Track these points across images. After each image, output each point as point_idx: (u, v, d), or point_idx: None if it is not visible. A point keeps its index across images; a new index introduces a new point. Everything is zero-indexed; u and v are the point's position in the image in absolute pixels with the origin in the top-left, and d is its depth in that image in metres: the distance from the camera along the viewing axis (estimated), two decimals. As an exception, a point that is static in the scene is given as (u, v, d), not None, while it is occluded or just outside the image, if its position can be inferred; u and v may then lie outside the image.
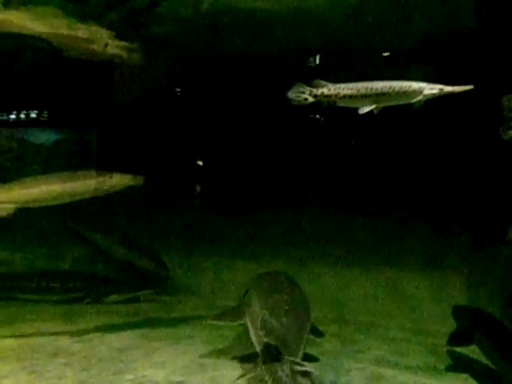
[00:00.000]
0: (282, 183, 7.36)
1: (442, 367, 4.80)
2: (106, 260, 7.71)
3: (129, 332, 5.56)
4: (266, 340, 3.66)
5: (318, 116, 7.30)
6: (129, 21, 5.84)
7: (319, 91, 3.78)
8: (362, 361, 4.85)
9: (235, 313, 5.03)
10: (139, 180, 5.22)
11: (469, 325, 4.83)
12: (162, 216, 7.70)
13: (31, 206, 5.00)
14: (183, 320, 6.18)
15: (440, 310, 5.92)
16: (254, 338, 4.22)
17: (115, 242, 7.61)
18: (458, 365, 4.91)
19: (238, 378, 3.65)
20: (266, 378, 3.23)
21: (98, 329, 5.62)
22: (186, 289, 7.52)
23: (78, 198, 5.08)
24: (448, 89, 3.42)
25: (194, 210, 7.96)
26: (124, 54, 5.42)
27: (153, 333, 5.58)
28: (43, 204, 5.01)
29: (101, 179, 5.05)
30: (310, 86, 3.87)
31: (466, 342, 4.78)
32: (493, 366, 4.40)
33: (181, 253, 7.66)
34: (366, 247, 6.81)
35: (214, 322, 5.19)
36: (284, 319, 3.97)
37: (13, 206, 4.86)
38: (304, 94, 3.86)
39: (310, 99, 3.85)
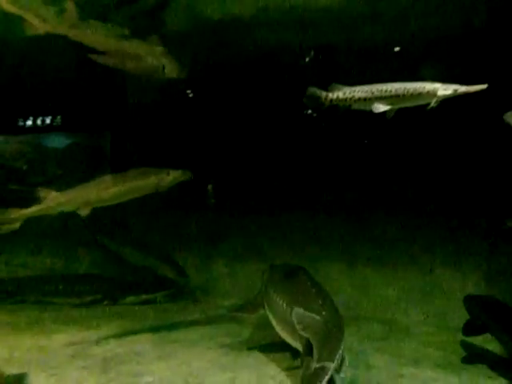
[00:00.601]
0: (285, 184, 7.35)
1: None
2: (122, 263, 7.79)
3: (146, 334, 5.60)
4: (305, 335, 3.81)
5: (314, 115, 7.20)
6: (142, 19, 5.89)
7: (334, 95, 3.80)
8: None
9: (254, 305, 5.10)
10: (188, 175, 5.42)
11: (482, 314, 4.86)
12: (175, 217, 7.74)
13: (103, 204, 5.37)
14: (200, 322, 6.20)
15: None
16: (284, 333, 4.37)
17: (134, 249, 7.68)
18: (473, 357, 4.93)
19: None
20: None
21: (115, 331, 5.67)
22: (201, 290, 7.56)
23: (141, 194, 5.43)
24: (463, 89, 3.41)
25: (204, 211, 7.97)
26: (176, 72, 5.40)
27: (170, 335, 5.61)
28: (113, 202, 5.40)
29: (160, 176, 5.29)
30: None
31: (481, 331, 4.81)
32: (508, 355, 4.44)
33: (192, 253, 7.72)
34: (379, 246, 6.78)
35: (234, 314, 5.24)
36: (323, 313, 4.04)
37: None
38: (320, 99, 3.88)
39: (327, 103, 3.88)
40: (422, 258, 6.47)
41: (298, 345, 4.12)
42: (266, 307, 4.87)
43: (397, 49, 6.26)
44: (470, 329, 4.90)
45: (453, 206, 6.34)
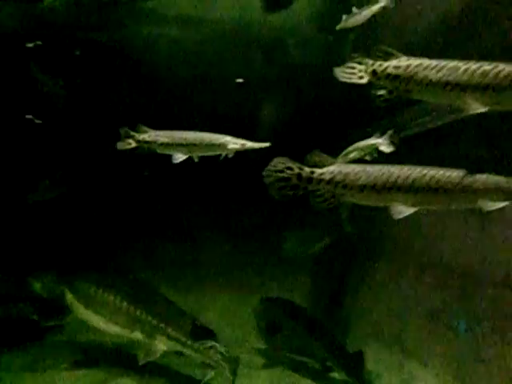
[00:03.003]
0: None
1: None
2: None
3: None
4: None
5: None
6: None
7: (141, 137, 3.84)
8: None
9: None
10: None
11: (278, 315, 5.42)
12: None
13: None
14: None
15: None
16: None
17: None
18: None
19: None
20: None
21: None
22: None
23: None
24: (249, 144, 3.69)
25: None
26: None
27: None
28: None
29: None
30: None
31: (276, 331, 5.36)
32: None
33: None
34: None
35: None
36: None
37: None
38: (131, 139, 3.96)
39: (134, 144, 3.96)
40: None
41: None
42: None
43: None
44: (270, 329, 5.42)
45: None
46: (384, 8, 3.42)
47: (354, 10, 3.62)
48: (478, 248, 4.61)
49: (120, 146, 3.95)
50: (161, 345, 5.06)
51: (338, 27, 3.83)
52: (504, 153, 4.02)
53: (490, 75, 2.43)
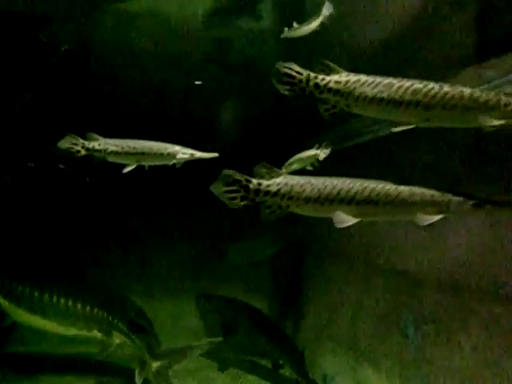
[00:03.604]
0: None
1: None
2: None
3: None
4: None
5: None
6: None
7: (91, 144, 3.80)
8: None
9: None
10: None
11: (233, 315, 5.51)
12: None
13: None
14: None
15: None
16: None
17: None
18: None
19: None
20: None
21: None
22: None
23: None
24: (198, 154, 3.72)
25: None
26: None
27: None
28: None
29: None
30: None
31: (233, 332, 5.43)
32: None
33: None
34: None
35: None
36: None
37: None
38: (76, 147, 3.91)
39: (83, 152, 3.91)
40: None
41: None
42: None
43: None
44: (225, 330, 5.47)
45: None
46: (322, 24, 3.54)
47: (295, 25, 3.76)
48: (425, 251, 4.76)
49: (66, 153, 3.90)
50: (117, 340, 5.13)
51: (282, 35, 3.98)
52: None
53: (421, 93, 2.57)
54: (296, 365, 5.36)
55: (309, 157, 3.78)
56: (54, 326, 5.23)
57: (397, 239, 5.16)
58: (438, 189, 2.74)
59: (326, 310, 6.29)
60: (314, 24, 3.58)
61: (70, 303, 5.23)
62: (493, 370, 3.87)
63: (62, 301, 5.25)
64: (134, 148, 3.76)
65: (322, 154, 3.70)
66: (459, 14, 3.93)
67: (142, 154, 3.74)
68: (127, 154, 3.78)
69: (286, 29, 3.98)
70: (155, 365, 4.76)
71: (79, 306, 5.22)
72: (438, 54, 4.08)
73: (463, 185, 4.02)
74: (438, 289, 4.61)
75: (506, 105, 2.52)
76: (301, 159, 3.79)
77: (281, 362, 5.64)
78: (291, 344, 5.68)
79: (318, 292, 6.56)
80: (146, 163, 3.79)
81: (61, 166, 6.17)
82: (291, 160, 3.86)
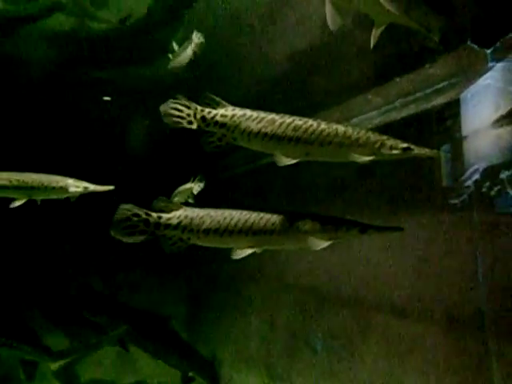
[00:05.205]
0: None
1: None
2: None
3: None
4: None
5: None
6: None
7: None
8: None
9: None
10: None
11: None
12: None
13: None
14: None
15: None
16: None
17: None
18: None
19: None
20: None
21: None
22: None
23: None
24: (92, 187, 3.62)
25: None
26: None
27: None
28: None
29: None
30: None
31: None
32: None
33: None
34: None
35: None
36: None
37: None
38: None
39: None
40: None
41: None
42: None
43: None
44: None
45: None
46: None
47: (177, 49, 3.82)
48: (330, 268, 4.92)
49: None
50: None
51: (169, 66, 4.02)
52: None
53: (301, 130, 2.65)
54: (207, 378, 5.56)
55: (185, 190, 3.81)
56: None
57: (304, 257, 5.30)
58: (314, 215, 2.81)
59: (240, 328, 6.34)
60: (189, 51, 3.65)
61: None
62: (390, 380, 4.09)
63: None
64: (23, 182, 3.59)
65: (197, 187, 3.74)
66: (348, 46, 4.13)
67: (32, 187, 3.58)
68: (16, 188, 3.60)
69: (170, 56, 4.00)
70: None
71: None
72: (330, 82, 4.26)
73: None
74: (341, 304, 4.79)
75: (374, 143, 2.68)
76: (179, 193, 3.82)
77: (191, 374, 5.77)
78: (200, 356, 5.82)
79: (233, 310, 6.60)
80: (38, 197, 3.62)
81: None
82: (174, 193, 3.89)
